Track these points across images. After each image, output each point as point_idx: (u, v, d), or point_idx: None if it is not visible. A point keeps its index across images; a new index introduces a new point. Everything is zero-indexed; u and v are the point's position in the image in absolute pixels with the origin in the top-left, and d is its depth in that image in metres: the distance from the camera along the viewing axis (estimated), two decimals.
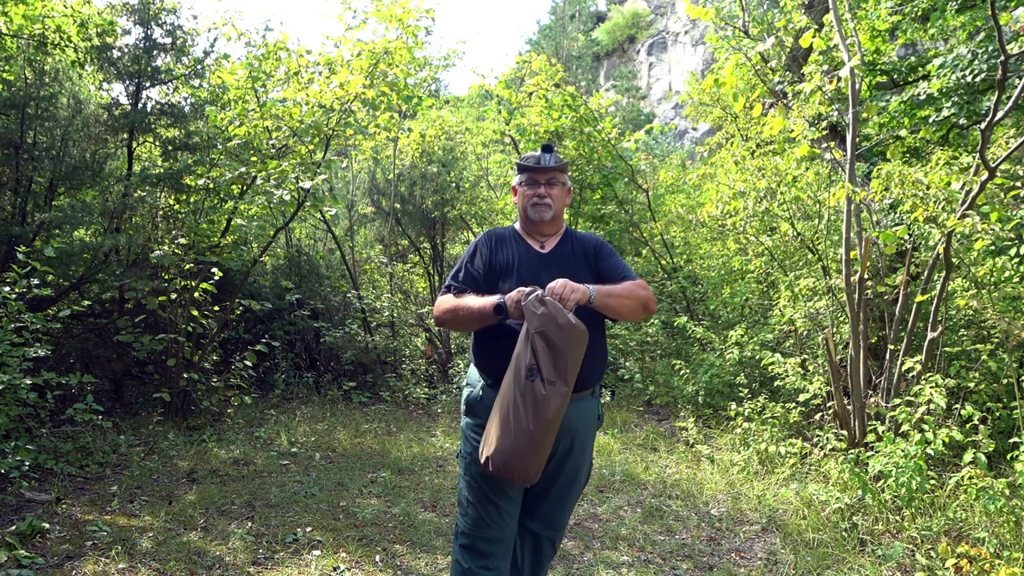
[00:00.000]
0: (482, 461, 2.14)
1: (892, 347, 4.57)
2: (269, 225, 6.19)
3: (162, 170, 5.79)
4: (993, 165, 3.73)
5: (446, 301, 2.32)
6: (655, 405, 6.82)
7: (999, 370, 4.37)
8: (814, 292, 5.88)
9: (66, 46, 5.85)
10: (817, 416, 5.07)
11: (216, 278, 5.58)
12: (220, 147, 5.87)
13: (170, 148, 5.97)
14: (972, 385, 4.41)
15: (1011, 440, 3.79)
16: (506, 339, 2.21)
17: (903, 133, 5.40)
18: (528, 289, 2.13)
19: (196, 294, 5.57)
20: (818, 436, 4.70)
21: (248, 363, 5.97)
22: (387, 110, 7.05)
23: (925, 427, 3.80)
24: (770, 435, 4.87)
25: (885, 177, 4.21)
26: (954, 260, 4.33)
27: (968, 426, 3.94)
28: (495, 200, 9.34)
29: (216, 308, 6.10)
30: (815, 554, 3.50)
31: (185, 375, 5.48)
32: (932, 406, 3.91)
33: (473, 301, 2.24)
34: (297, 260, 7.82)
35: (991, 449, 3.65)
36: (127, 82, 5.89)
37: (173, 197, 6.01)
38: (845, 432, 4.50)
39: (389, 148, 9.04)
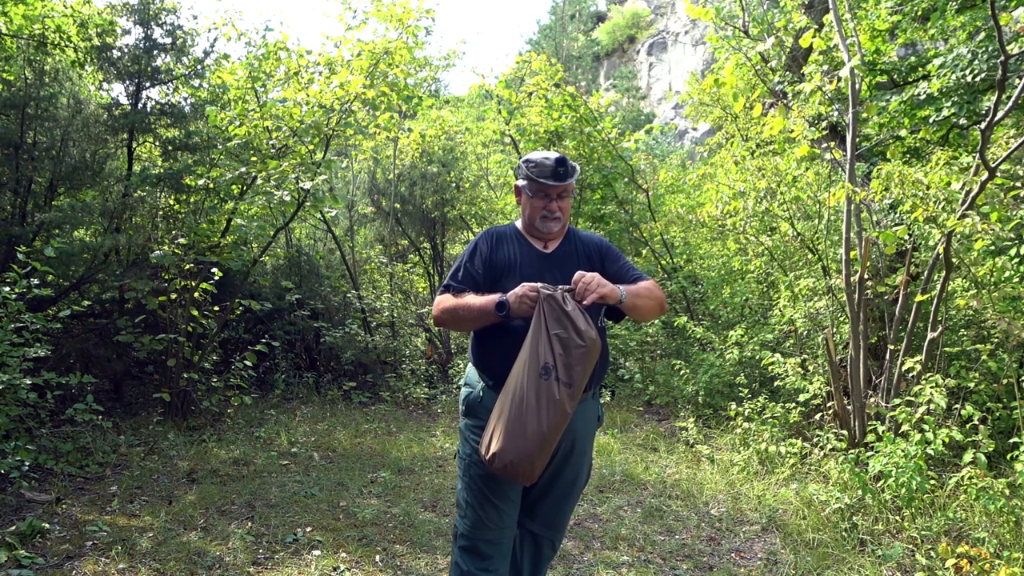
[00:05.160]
0: (487, 457, 2.12)
1: (892, 347, 4.57)
2: (269, 225, 6.18)
3: (162, 170, 5.79)
4: (993, 165, 3.73)
5: (445, 301, 2.30)
6: (655, 405, 6.82)
7: (999, 370, 4.37)
8: (814, 292, 5.88)
9: (66, 46, 5.85)
10: (817, 416, 5.07)
11: (216, 278, 5.57)
12: (220, 147, 5.87)
13: (170, 148, 5.97)
14: (972, 385, 4.41)
15: (1011, 440, 3.79)
16: (508, 339, 2.20)
17: (903, 133, 5.40)
18: (541, 284, 2.12)
19: (196, 294, 5.57)
20: (818, 436, 4.70)
21: (248, 363, 5.97)
22: (387, 110, 7.05)
23: (925, 427, 3.80)
24: (770, 435, 4.87)
25: (885, 177, 4.21)
26: (954, 260, 4.33)
27: (968, 426, 3.94)
28: (495, 200, 9.34)
29: (216, 308, 6.10)
30: (815, 554, 3.50)
31: (185, 375, 5.48)
32: (932, 406, 3.91)
33: (473, 300, 2.22)
34: (297, 260, 7.82)
35: (991, 449, 3.65)
36: (127, 82, 5.89)
37: (173, 197, 6.01)
38: (845, 432, 4.50)
39: (389, 148, 9.04)
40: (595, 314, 2.30)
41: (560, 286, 2.13)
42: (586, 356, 2.07)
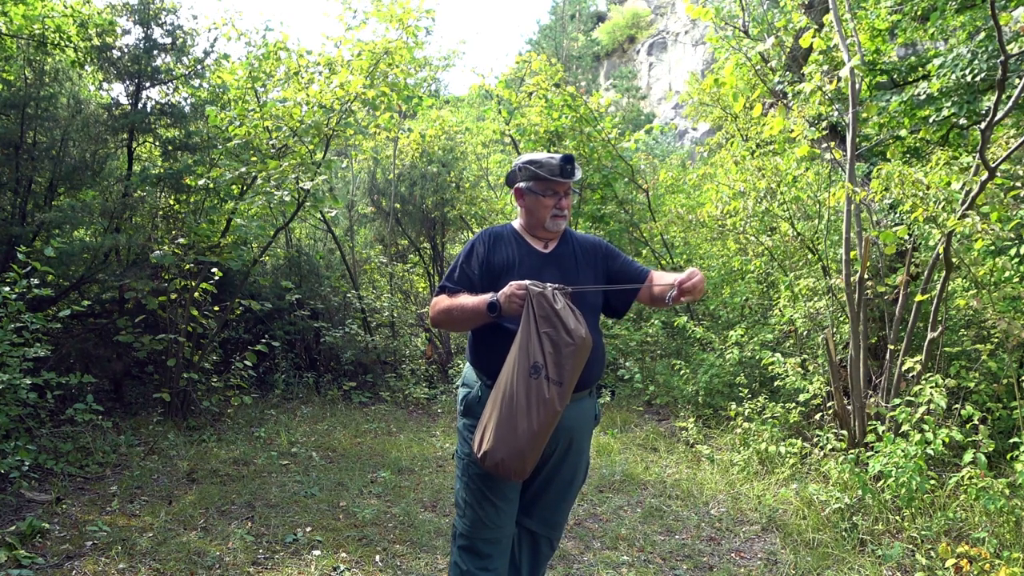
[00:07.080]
0: (478, 456, 2.14)
1: (892, 347, 4.57)
2: (269, 225, 6.18)
3: (162, 170, 5.79)
4: (993, 165, 3.73)
5: (440, 302, 2.32)
6: (655, 405, 6.81)
7: (999, 370, 4.37)
8: (814, 292, 5.88)
9: (66, 46, 5.85)
10: (817, 416, 5.07)
11: (216, 278, 5.57)
12: (220, 147, 5.86)
13: (170, 148, 5.97)
14: (972, 385, 4.41)
15: (1011, 440, 3.79)
16: (504, 338, 2.21)
17: (903, 133, 5.40)
18: (530, 282, 2.12)
19: (196, 294, 5.57)
20: (818, 436, 4.70)
21: (248, 363, 5.97)
22: (387, 110, 7.05)
23: (925, 427, 3.80)
24: (770, 435, 4.87)
25: (885, 177, 4.21)
26: (954, 260, 4.33)
27: (968, 426, 3.94)
28: (495, 200, 9.34)
29: (216, 308, 6.10)
30: (815, 554, 3.50)
31: (185, 375, 5.48)
32: (932, 406, 3.91)
33: (467, 301, 2.24)
34: (297, 260, 7.82)
35: (991, 449, 3.65)
36: (127, 82, 5.89)
37: (173, 197, 6.01)
38: (845, 432, 4.50)
39: (389, 148, 9.04)
40: (591, 313, 2.30)
41: (550, 284, 2.13)
42: (576, 354, 2.07)
